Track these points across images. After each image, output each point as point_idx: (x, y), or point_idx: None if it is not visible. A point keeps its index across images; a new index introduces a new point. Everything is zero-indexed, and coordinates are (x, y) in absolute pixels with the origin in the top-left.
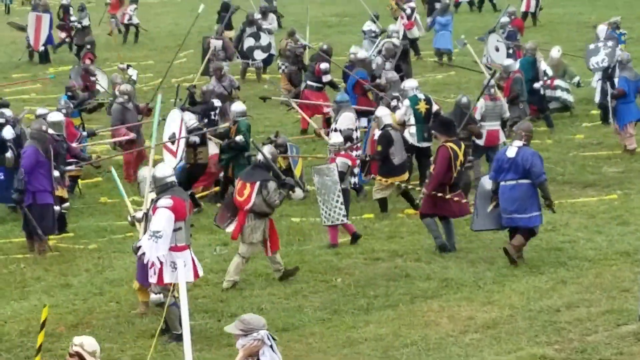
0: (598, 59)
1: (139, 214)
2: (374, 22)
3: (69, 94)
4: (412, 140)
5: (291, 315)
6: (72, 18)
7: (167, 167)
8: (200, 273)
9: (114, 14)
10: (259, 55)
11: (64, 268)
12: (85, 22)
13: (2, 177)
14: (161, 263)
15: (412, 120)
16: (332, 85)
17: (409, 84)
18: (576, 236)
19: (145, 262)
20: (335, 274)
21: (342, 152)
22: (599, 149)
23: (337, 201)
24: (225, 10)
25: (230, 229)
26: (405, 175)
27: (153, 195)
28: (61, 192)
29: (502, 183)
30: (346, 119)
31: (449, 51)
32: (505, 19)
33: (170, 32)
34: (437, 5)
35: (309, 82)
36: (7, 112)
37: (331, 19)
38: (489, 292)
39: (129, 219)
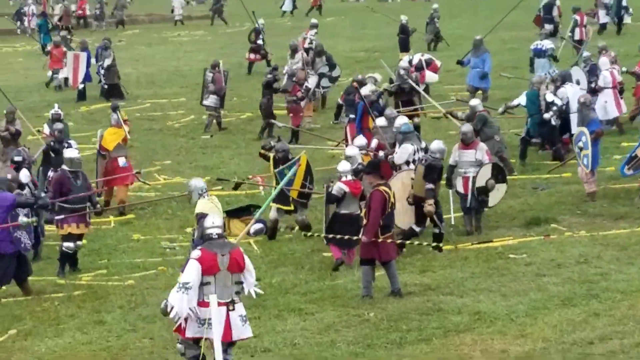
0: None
1: None
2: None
3: None
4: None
5: (324, 350)
6: (259, 42)
7: (217, 218)
8: (235, 337)
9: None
10: (325, 82)
11: (97, 305)
12: (108, 62)
13: None
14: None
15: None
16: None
17: (400, 120)
18: (608, 268)
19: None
20: (367, 308)
21: (347, 179)
22: (630, 181)
23: (324, 220)
24: (403, 32)
25: None
26: None
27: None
28: (81, 229)
29: None
30: (402, 152)
31: (484, 89)
32: (587, 53)
33: (201, 69)
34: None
35: (351, 116)
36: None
37: (360, 54)
38: (521, 325)
39: None
